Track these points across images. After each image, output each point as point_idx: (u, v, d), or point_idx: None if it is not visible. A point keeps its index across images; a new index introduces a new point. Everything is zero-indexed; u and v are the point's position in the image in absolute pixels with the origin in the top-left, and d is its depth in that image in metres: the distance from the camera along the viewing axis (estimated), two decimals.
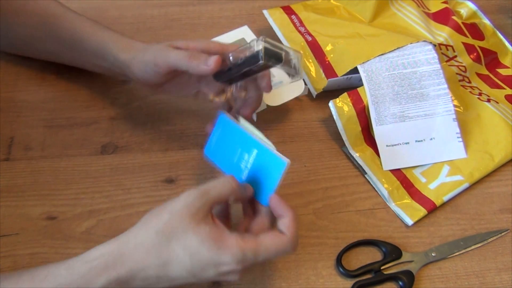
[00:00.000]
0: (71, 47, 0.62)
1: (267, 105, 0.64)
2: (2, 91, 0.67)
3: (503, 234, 0.58)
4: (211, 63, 0.50)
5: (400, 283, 0.53)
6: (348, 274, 0.54)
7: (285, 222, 0.46)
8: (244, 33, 0.72)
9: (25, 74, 0.69)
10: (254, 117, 0.65)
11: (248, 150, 0.51)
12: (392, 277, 0.54)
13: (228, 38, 0.71)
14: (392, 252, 0.55)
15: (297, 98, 0.66)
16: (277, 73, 0.67)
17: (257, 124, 0.61)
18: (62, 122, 0.65)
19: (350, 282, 0.54)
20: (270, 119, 0.67)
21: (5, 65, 0.69)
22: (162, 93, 0.60)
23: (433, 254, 0.56)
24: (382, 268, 0.55)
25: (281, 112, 0.67)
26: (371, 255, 0.56)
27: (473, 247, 0.57)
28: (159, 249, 0.43)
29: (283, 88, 0.65)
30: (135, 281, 0.43)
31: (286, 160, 0.48)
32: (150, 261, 0.43)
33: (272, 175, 0.48)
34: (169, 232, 0.43)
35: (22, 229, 0.56)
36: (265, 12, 0.73)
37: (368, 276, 0.54)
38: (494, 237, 0.58)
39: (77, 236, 0.56)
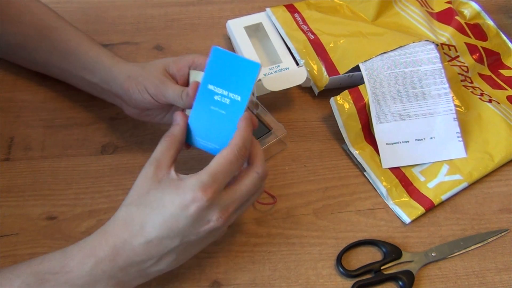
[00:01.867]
0: (62, 58, 0.61)
1: (270, 91, 0.65)
2: (2, 91, 0.67)
3: (503, 234, 0.58)
4: (190, 93, 0.51)
5: (400, 283, 0.53)
6: (348, 274, 0.54)
7: (233, 137, 0.48)
8: (262, 18, 0.73)
9: (25, 74, 0.69)
10: (254, 98, 0.65)
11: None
12: (392, 277, 0.54)
13: (246, 21, 0.72)
14: (392, 252, 0.55)
15: (299, 90, 0.66)
16: (283, 59, 0.67)
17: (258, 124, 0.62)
18: (62, 122, 0.65)
19: (350, 282, 0.54)
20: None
21: (5, 65, 0.69)
22: (145, 119, 0.59)
23: (433, 254, 0.56)
24: (382, 268, 0.55)
25: (281, 112, 0.67)
26: (371, 255, 0.56)
27: (473, 247, 0.57)
28: (132, 217, 0.45)
29: (285, 75, 0.66)
30: (121, 257, 0.44)
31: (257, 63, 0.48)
32: (129, 230, 0.45)
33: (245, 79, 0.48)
34: (136, 201, 0.46)
35: (22, 229, 0.56)
36: (268, 10, 0.73)
37: (368, 276, 0.54)
38: (494, 237, 0.58)
39: (77, 236, 0.56)
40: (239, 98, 0.49)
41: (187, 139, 0.52)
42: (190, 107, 0.51)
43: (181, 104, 0.52)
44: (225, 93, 0.49)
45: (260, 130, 0.61)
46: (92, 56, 0.59)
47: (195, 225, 0.45)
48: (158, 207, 0.45)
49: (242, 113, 0.49)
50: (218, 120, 0.50)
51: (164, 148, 0.48)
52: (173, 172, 0.47)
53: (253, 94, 0.66)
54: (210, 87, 0.49)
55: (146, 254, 0.45)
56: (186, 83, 0.55)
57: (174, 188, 0.45)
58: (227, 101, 0.49)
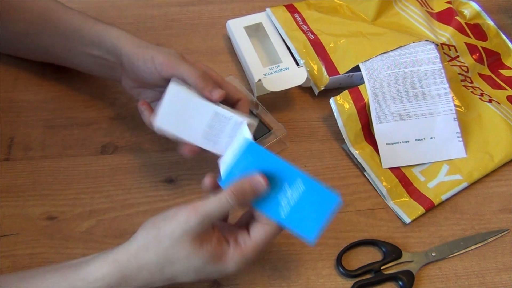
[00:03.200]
0: (66, 38, 0.61)
1: (270, 91, 0.65)
2: (2, 91, 0.67)
3: (503, 234, 0.58)
4: (215, 95, 0.52)
5: (400, 283, 0.53)
6: (348, 274, 0.54)
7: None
8: (262, 18, 0.73)
9: (25, 74, 0.69)
10: (254, 98, 0.65)
11: (290, 183, 0.47)
12: (392, 277, 0.54)
13: (246, 21, 0.72)
14: (392, 252, 0.55)
15: (299, 90, 0.66)
16: (283, 59, 0.67)
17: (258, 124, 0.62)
18: (62, 122, 0.65)
19: (350, 282, 0.54)
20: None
21: (5, 65, 0.69)
22: (136, 95, 0.59)
23: (433, 254, 0.56)
24: (382, 268, 0.55)
25: (281, 112, 0.67)
26: (371, 255, 0.56)
27: (473, 247, 0.57)
28: (163, 269, 0.44)
29: (285, 75, 0.66)
30: None
31: (337, 196, 0.47)
32: (155, 279, 0.44)
33: (320, 210, 0.47)
34: (171, 257, 0.44)
35: (22, 229, 0.56)
36: (268, 10, 0.74)
37: (368, 276, 0.54)
38: (494, 237, 0.58)
39: (77, 236, 0.56)
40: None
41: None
42: (197, 87, 0.52)
43: (191, 81, 0.52)
44: (292, 203, 0.47)
45: (260, 130, 0.61)
46: (98, 30, 0.58)
47: (216, 275, 0.47)
48: (197, 271, 0.45)
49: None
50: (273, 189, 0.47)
51: (219, 207, 0.45)
52: (212, 233, 0.46)
53: (253, 94, 0.67)
54: (299, 181, 0.47)
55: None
56: None
57: (217, 260, 0.45)
58: (285, 204, 0.47)
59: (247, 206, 0.50)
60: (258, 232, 0.47)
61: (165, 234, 0.44)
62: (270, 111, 0.64)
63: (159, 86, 0.56)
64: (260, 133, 0.61)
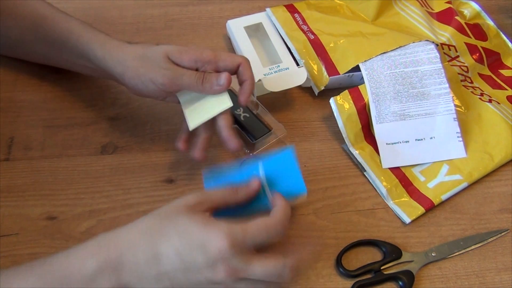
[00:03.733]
0: (59, 48, 0.61)
1: (270, 91, 0.65)
2: (2, 91, 0.67)
3: (503, 234, 0.58)
4: (223, 82, 0.53)
5: (400, 283, 0.53)
6: (348, 274, 0.54)
7: (276, 209, 0.47)
8: (262, 18, 0.73)
9: (25, 74, 0.69)
10: (254, 98, 0.65)
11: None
12: (392, 277, 0.54)
13: (246, 21, 0.72)
14: (392, 252, 0.55)
15: (299, 90, 0.66)
16: (283, 59, 0.67)
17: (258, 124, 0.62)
18: (62, 122, 0.65)
19: (350, 282, 0.54)
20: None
21: (5, 65, 0.69)
22: (147, 97, 0.59)
23: (433, 254, 0.56)
24: (382, 268, 0.55)
25: (281, 112, 0.67)
26: (371, 255, 0.56)
27: (473, 247, 0.57)
28: (151, 227, 0.44)
29: (285, 75, 0.66)
30: (124, 266, 0.42)
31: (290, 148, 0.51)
32: (141, 239, 0.43)
33: (289, 168, 0.52)
34: (162, 215, 0.45)
35: (22, 229, 0.56)
36: (268, 10, 0.74)
37: (368, 276, 0.54)
38: (494, 237, 0.58)
39: (77, 236, 0.56)
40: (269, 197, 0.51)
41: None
42: (207, 92, 0.53)
43: (197, 89, 0.53)
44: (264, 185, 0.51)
45: (260, 130, 0.61)
46: (85, 44, 0.58)
47: (203, 268, 0.42)
48: (181, 232, 0.43)
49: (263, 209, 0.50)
50: (250, 203, 0.50)
51: (220, 195, 0.47)
52: (208, 213, 0.45)
53: (253, 94, 0.67)
54: (260, 169, 0.52)
55: (146, 272, 0.43)
56: None
57: (204, 224, 0.43)
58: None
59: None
60: (254, 219, 0.45)
61: (164, 206, 0.46)
62: (270, 111, 0.64)
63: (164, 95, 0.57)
64: (260, 133, 0.61)
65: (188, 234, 0.43)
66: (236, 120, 0.62)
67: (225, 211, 0.48)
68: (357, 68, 0.66)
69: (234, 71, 0.56)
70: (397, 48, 0.66)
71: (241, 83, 0.56)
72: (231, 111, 0.57)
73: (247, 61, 0.56)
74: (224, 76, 0.53)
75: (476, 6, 0.77)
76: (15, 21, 0.62)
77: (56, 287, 0.41)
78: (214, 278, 0.42)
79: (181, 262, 0.42)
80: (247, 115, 0.62)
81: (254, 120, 0.62)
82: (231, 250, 0.42)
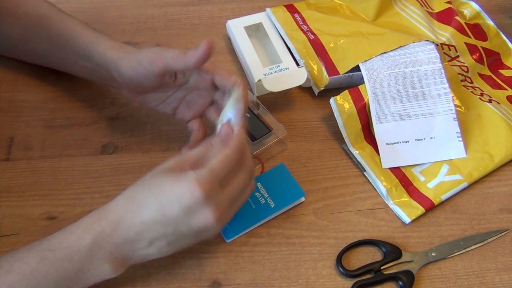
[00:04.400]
0: (59, 47, 0.61)
1: (270, 91, 0.65)
2: (2, 91, 0.67)
3: (503, 234, 0.58)
4: (203, 47, 0.50)
5: (400, 283, 0.53)
6: (348, 274, 0.54)
7: (230, 138, 0.50)
8: (262, 18, 0.73)
9: (25, 74, 0.69)
10: (255, 98, 0.65)
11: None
12: (392, 277, 0.54)
13: (246, 21, 0.72)
14: (392, 252, 0.55)
15: (299, 90, 0.66)
16: (283, 59, 0.67)
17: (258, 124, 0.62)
18: (62, 122, 0.65)
19: (350, 282, 0.54)
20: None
21: (5, 65, 0.69)
22: (141, 102, 0.59)
23: (433, 254, 0.56)
24: (382, 268, 0.55)
25: (281, 112, 0.67)
26: (371, 255, 0.56)
27: (473, 247, 0.57)
28: (134, 195, 0.47)
29: (285, 75, 0.66)
30: (117, 234, 0.45)
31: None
32: (127, 208, 0.46)
33: (285, 178, 0.60)
34: (144, 182, 0.47)
35: (22, 229, 0.56)
36: (268, 10, 0.74)
37: (368, 276, 0.54)
38: (494, 237, 0.58)
39: None
40: (272, 205, 0.57)
41: None
42: (194, 66, 0.51)
43: (181, 63, 0.51)
44: (266, 195, 0.58)
45: (260, 130, 0.62)
46: (86, 42, 0.58)
47: (188, 217, 0.45)
48: (156, 192, 0.45)
49: (269, 216, 0.57)
50: (245, 209, 0.54)
51: (197, 152, 0.49)
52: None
53: (253, 94, 0.67)
54: (259, 184, 0.59)
55: (138, 235, 0.46)
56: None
57: (175, 177, 0.45)
58: (263, 201, 0.58)
59: None
60: (214, 155, 0.47)
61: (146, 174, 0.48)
62: (270, 111, 0.64)
63: (159, 87, 0.56)
64: (261, 133, 0.61)
65: (162, 192, 0.45)
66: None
67: None
68: (357, 68, 0.66)
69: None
70: (397, 48, 0.66)
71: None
72: None
73: (241, 82, 0.54)
74: (203, 43, 0.50)
75: (476, 6, 0.77)
76: (17, 20, 0.62)
77: (58, 265, 0.44)
78: (203, 223, 0.46)
79: (166, 221, 0.45)
80: (248, 115, 0.62)
81: (255, 120, 0.62)
82: (205, 194, 0.44)
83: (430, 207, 0.59)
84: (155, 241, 0.46)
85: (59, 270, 0.44)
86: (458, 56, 0.71)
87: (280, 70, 0.66)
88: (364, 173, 0.62)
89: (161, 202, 0.45)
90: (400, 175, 0.61)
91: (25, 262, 0.44)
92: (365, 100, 0.63)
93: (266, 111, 0.63)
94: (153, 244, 0.46)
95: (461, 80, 0.70)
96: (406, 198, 0.60)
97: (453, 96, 0.64)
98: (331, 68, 0.67)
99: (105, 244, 0.45)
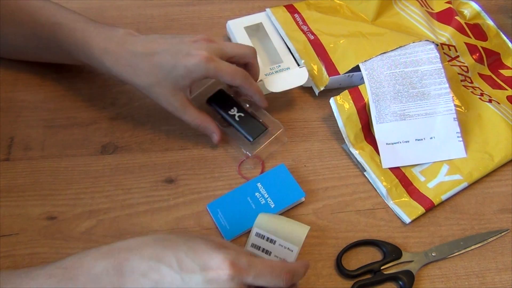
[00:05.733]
0: (67, 54, 0.62)
1: (270, 91, 0.65)
2: (2, 91, 0.67)
3: (503, 234, 0.58)
4: (215, 139, 0.61)
5: (400, 283, 0.53)
6: (348, 274, 0.54)
7: (293, 262, 0.51)
8: (262, 18, 0.73)
9: (25, 74, 0.69)
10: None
11: (255, 191, 0.59)
12: (392, 277, 0.54)
13: (246, 21, 0.72)
14: (392, 252, 0.55)
15: (299, 90, 0.66)
16: (284, 59, 0.67)
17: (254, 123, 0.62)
18: (62, 122, 0.65)
19: (350, 282, 0.54)
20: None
21: (5, 65, 0.69)
22: None
23: (433, 254, 0.56)
24: (382, 268, 0.55)
25: (281, 112, 0.67)
26: (371, 255, 0.56)
27: (473, 247, 0.57)
28: (166, 238, 0.43)
29: (286, 75, 0.66)
30: (126, 270, 0.41)
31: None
32: (150, 246, 0.42)
33: (285, 178, 0.60)
34: (183, 232, 0.46)
35: (22, 229, 0.56)
36: (268, 10, 0.74)
37: (368, 276, 0.54)
38: (494, 237, 0.58)
39: (77, 236, 0.56)
40: (273, 205, 0.58)
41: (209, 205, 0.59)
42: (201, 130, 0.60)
43: (196, 127, 0.60)
44: (266, 196, 0.58)
45: (256, 128, 0.61)
46: (78, 46, 0.59)
47: (199, 283, 0.41)
48: (191, 246, 0.43)
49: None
50: (245, 210, 0.57)
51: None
52: None
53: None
54: (259, 184, 0.59)
55: (148, 273, 0.41)
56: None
57: (216, 246, 0.43)
58: (263, 201, 0.58)
59: None
60: (266, 260, 0.44)
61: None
62: (270, 111, 0.64)
63: None
64: (257, 132, 0.61)
65: (196, 250, 0.42)
66: (231, 121, 0.61)
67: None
68: (357, 68, 0.66)
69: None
70: (397, 48, 0.66)
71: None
72: (225, 113, 0.61)
73: (247, 80, 0.59)
74: (216, 136, 0.60)
75: (476, 6, 0.77)
76: (17, 28, 0.62)
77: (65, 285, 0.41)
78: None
79: (180, 274, 0.41)
80: (242, 115, 0.62)
81: (249, 119, 0.62)
82: (229, 279, 0.41)
83: (430, 207, 0.59)
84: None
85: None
86: (458, 56, 0.71)
87: (281, 70, 0.66)
88: (364, 173, 0.62)
89: (188, 254, 0.42)
90: (400, 175, 0.61)
91: (29, 275, 0.42)
92: (365, 100, 0.63)
93: (259, 108, 0.63)
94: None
95: (461, 80, 0.70)
96: (406, 198, 0.60)
97: (453, 96, 0.64)
98: (331, 68, 0.67)
99: (114, 274, 0.41)
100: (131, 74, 0.57)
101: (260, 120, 0.62)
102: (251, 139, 0.60)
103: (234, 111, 0.62)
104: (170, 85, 0.57)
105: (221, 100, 0.63)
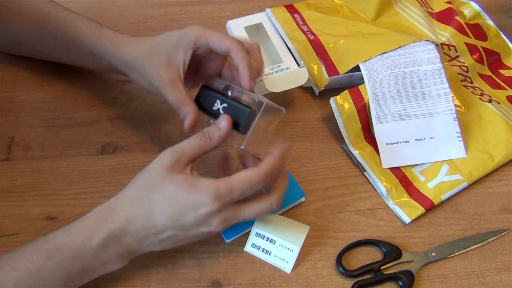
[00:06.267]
0: (66, 46, 0.61)
1: (270, 91, 0.65)
2: (2, 91, 0.67)
3: (503, 234, 0.58)
4: (186, 124, 0.53)
5: (400, 283, 0.53)
6: (348, 274, 0.54)
7: (265, 160, 0.49)
8: (262, 18, 0.73)
9: (25, 74, 0.69)
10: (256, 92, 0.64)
11: None
12: (392, 277, 0.54)
13: (246, 21, 0.72)
14: (392, 252, 0.55)
15: (299, 90, 0.66)
16: (284, 59, 0.67)
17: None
18: (62, 122, 0.65)
19: (350, 282, 0.54)
20: None
21: (5, 65, 0.69)
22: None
23: (433, 254, 0.56)
24: (382, 268, 0.55)
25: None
26: (371, 255, 0.56)
27: (473, 247, 0.57)
28: (142, 200, 0.47)
29: (286, 75, 0.66)
30: (126, 235, 0.47)
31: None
32: (136, 212, 0.47)
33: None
34: (148, 185, 0.48)
35: (22, 229, 0.56)
36: (268, 10, 0.74)
37: (368, 276, 0.54)
38: (494, 237, 0.58)
39: None
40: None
41: None
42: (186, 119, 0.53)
43: (175, 108, 0.54)
44: None
45: (241, 113, 0.51)
46: (92, 41, 0.59)
47: (198, 225, 0.47)
48: (170, 200, 0.47)
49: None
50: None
51: (194, 145, 0.49)
52: (189, 169, 0.48)
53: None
54: None
55: (148, 238, 0.47)
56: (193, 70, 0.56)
57: (190, 186, 0.47)
58: None
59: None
60: (239, 173, 0.48)
61: (146, 168, 0.49)
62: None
63: None
64: (242, 117, 0.51)
65: (176, 200, 0.47)
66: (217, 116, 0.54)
67: None
68: (357, 68, 0.66)
69: (225, 56, 0.55)
70: (397, 48, 0.66)
71: (235, 69, 0.53)
72: (210, 110, 0.54)
73: (236, 44, 0.52)
74: (188, 122, 0.53)
75: (476, 6, 0.77)
76: (20, 19, 0.62)
77: (65, 263, 0.45)
78: (209, 230, 0.48)
79: (176, 225, 0.47)
80: (226, 105, 0.53)
81: (231, 105, 0.52)
82: (219, 208, 0.46)
83: (430, 207, 0.59)
84: (163, 241, 0.48)
85: (66, 268, 0.45)
86: (458, 56, 0.71)
87: (281, 70, 0.66)
88: (364, 173, 0.62)
89: (175, 210, 0.47)
90: (400, 175, 0.61)
91: (31, 260, 0.45)
92: (365, 100, 0.63)
93: (239, 89, 0.54)
94: (160, 243, 0.48)
95: (461, 80, 0.70)
96: (406, 198, 0.60)
97: (453, 96, 0.64)
98: (331, 68, 0.67)
99: (113, 245, 0.47)
100: (127, 47, 0.57)
101: (244, 102, 0.52)
102: (240, 128, 0.51)
103: (217, 105, 0.53)
104: (164, 56, 0.54)
105: (204, 98, 0.55)
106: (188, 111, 0.53)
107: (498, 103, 0.67)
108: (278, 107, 0.53)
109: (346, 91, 0.63)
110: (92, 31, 0.59)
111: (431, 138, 0.63)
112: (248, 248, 0.55)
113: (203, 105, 0.55)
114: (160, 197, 0.47)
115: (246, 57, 0.52)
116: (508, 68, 0.73)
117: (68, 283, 0.46)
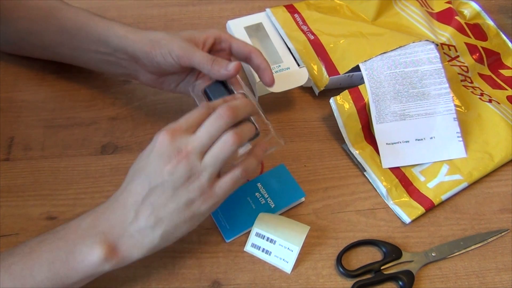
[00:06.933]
0: (72, 36, 0.61)
1: (270, 91, 0.64)
2: (2, 91, 0.67)
3: (503, 234, 0.58)
4: (231, 69, 0.54)
5: (400, 283, 0.53)
6: (348, 274, 0.54)
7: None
8: (262, 18, 0.73)
9: (25, 74, 0.69)
10: (256, 99, 0.65)
11: (255, 191, 0.59)
12: (392, 277, 0.54)
13: (246, 21, 0.72)
14: (392, 252, 0.55)
15: (299, 90, 0.66)
16: (284, 59, 0.67)
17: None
18: (62, 122, 0.65)
19: (350, 282, 0.54)
20: (270, 119, 0.66)
21: (5, 65, 0.69)
22: (160, 86, 0.60)
23: (433, 254, 0.56)
24: (382, 268, 0.55)
25: (281, 112, 0.67)
26: (371, 255, 0.56)
27: (473, 247, 0.57)
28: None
29: (286, 75, 0.66)
30: (108, 210, 0.47)
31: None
32: (121, 189, 0.49)
33: (285, 178, 0.60)
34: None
35: (22, 229, 0.56)
36: (268, 10, 0.74)
37: (368, 276, 0.54)
38: (494, 237, 0.58)
39: None
40: (273, 205, 0.57)
41: None
42: (213, 73, 0.54)
43: (206, 69, 0.54)
44: (266, 196, 0.58)
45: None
46: (103, 27, 0.59)
47: (160, 162, 0.46)
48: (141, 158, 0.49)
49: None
50: (245, 210, 0.57)
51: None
52: None
53: (254, 94, 0.66)
54: (259, 185, 0.59)
55: (125, 205, 0.47)
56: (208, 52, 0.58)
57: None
58: (263, 201, 0.58)
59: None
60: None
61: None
62: (270, 111, 0.64)
63: (179, 72, 0.58)
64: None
65: (142, 157, 0.49)
66: None
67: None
68: (357, 68, 0.66)
69: (244, 58, 0.58)
70: (397, 48, 0.66)
71: (257, 69, 0.58)
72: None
73: (259, 51, 0.58)
74: (233, 64, 0.54)
75: (476, 6, 0.77)
76: (24, 12, 0.62)
77: (53, 245, 0.45)
78: (175, 168, 0.45)
79: (145, 177, 0.47)
80: None
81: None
82: (170, 136, 0.46)
83: (430, 207, 0.59)
84: (140, 209, 0.46)
85: (53, 250, 0.45)
86: (458, 56, 0.71)
87: (281, 70, 0.66)
88: (364, 173, 0.62)
89: (142, 166, 0.48)
90: (400, 175, 0.61)
91: (27, 244, 0.46)
92: (365, 100, 0.63)
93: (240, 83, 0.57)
94: (139, 214, 0.46)
95: (461, 80, 0.70)
96: (406, 198, 0.60)
97: (453, 96, 0.64)
98: (331, 68, 0.67)
99: (99, 222, 0.46)
100: (143, 32, 0.58)
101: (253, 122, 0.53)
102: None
103: None
104: (187, 35, 0.57)
105: (217, 92, 0.55)
106: (226, 62, 0.54)
107: (498, 103, 0.67)
108: (279, 139, 0.55)
109: (346, 91, 0.63)
110: (104, 20, 0.60)
111: (431, 138, 0.63)
112: (248, 248, 0.55)
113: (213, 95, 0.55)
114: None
115: (266, 59, 0.58)
116: (508, 68, 0.73)
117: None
